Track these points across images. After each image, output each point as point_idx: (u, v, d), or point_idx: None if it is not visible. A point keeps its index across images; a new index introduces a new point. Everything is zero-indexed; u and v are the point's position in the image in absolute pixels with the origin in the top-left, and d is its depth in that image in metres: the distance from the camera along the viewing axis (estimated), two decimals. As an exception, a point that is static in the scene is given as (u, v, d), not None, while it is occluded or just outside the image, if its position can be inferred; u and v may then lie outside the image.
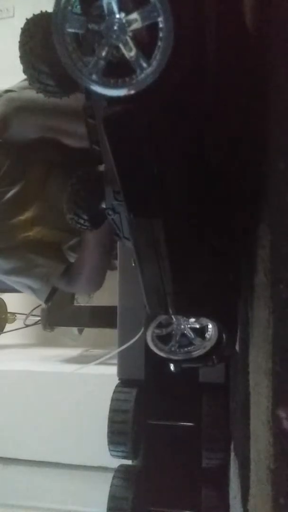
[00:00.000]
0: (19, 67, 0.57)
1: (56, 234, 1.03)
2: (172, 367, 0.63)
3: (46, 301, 1.07)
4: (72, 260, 1.06)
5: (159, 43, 0.36)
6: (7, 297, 1.70)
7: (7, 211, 1.00)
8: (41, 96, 0.96)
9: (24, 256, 1.02)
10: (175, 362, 0.62)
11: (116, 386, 0.94)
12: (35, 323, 1.57)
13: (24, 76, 0.57)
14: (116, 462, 0.94)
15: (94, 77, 0.38)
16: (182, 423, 0.94)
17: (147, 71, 0.37)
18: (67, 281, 1.05)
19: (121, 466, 0.94)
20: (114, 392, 0.92)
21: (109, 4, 0.36)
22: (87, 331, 1.54)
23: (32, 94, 0.94)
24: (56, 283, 1.04)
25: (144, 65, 0.36)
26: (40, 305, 1.46)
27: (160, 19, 0.35)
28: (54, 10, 0.37)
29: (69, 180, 0.97)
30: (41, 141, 0.97)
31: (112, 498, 0.87)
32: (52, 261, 1.03)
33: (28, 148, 0.99)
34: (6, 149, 0.98)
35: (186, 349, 0.61)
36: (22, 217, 1.01)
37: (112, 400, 0.91)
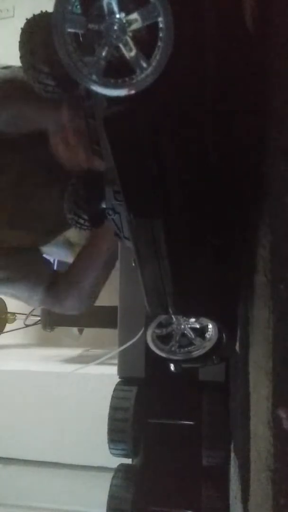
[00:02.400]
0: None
1: (33, 238, 0.95)
2: (172, 367, 0.63)
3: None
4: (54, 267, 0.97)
5: (159, 43, 0.36)
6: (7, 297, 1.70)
7: None
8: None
9: (6, 266, 0.92)
10: (175, 362, 0.62)
11: (116, 385, 0.94)
12: (35, 323, 1.57)
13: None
14: (116, 462, 0.94)
15: (94, 77, 0.38)
16: (182, 422, 0.94)
17: (147, 71, 0.37)
18: (55, 295, 0.95)
19: (121, 465, 0.94)
20: (114, 390, 0.92)
21: (109, 4, 0.36)
22: (87, 331, 1.54)
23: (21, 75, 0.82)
24: (42, 296, 0.94)
25: (144, 65, 0.36)
26: (40, 305, 1.46)
27: (160, 19, 0.35)
28: (54, 10, 0.37)
29: (42, 181, 0.90)
30: (13, 140, 0.86)
31: (112, 498, 0.87)
32: (35, 271, 0.94)
33: (6, 140, 0.86)
34: None
35: (186, 349, 0.61)
36: None
37: (112, 398, 0.91)
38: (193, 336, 0.60)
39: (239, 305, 0.61)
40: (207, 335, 0.59)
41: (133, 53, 0.36)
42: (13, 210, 0.90)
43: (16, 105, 0.81)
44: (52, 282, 0.94)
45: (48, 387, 1.28)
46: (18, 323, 1.67)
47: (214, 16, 0.41)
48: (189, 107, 0.42)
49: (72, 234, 1.04)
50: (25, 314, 1.59)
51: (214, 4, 0.41)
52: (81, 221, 0.63)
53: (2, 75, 0.81)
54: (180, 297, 0.53)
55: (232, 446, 0.83)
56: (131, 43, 0.36)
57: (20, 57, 0.56)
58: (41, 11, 0.54)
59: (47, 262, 1.01)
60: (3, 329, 1.70)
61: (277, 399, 0.40)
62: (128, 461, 0.95)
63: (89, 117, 0.53)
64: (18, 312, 1.68)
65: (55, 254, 1.09)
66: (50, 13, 0.38)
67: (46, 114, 0.80)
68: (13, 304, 1.69)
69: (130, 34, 0.36)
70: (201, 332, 0.60)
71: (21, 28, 0.55)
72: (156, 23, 0.35)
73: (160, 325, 0.59)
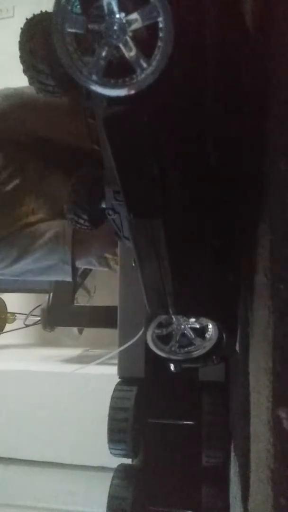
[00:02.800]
0: (19, 67, 0.57)
1: (60, 223, 1.03)
2: (172, 367, 0.63)
3: (73, 276, 1.03)
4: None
5: (159, 43, 0.36)
6: (7, 297, 1.70)
7: (5, 204, 1.00)
8: (36, 93, 0.95)
9: (28, 232, 0.99)
10: (175, 362, 0.62)
11: (116, 385, 0.94)
12: (35, 323, 1.57)
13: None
14: (115, 462, 0.94)
15: (94, 77, 0.38)
16: (182, 422, 0.94)
17: (147, 71, 0.37)
18: (81, 240, 1.00)
19: (121, 465, 0.94)
20: (114, 390, 0.92)
21: (109, 4, 0.36)
22: (87, 331, 1.54)
23: (29, 90, 0.94)
24: (70, 244, 0.99)
25: (144, 65, 0.36)
26: (40, 305, 1.46)
27: (160, 19, 0.35)
28: (54, 10, 0.37)
29: (63, 174, 0.98)
30: (37, 138, 0.97)
31: (112, 498, 0.87)
32: (55, 221, 1.01)
33: (24, 144, 0.99)
34: (2, 145, 0.98)
35: (186, 349, 0.61)
36: (20, 210, 1.01)
37: (112, 398, 0.91)
38: (193, 336, 0.60)
39: (239, 305, 0.61)
40: (207, 335, 0.59)
41: (133, 53, 0.36)
42: (35, 199, 1.01)
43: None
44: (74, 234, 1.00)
45: (48, 387, 1.28)
46: (18, 323, 1.67)
47: (214, 16, 0.41)
48: (189, 107, 0.42)
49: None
50: (25, 314, 1.60)
51: (214, 4, 0.41)
52: (81, 221, 0.63)
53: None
54: (180, 297, 0.53)
55: (232, 446, 0.83)
56: (131, 43, 0.36)
57: (20, 57, 0.56)
58: (41, 11, 0.54)
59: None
60: (3, 329, 1.70)
61: (277, 399, 0.40)
62: (128, 461, 0.95)
63: (89, 117, 0.53)
64: (18, 312, 1.69)
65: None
66: (50, 13, 0.38)
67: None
68: (13, 304, 1.70)
69: (130, 34, 0.36)
70: (201, 332, 0.59)
71: (21, 28, 0.55)
72: (156, 23, 0.35)
73: (160, 325, 0.59)
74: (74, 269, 1.02)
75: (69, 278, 1.03)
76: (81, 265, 1.06)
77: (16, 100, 0.95)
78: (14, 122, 0.96)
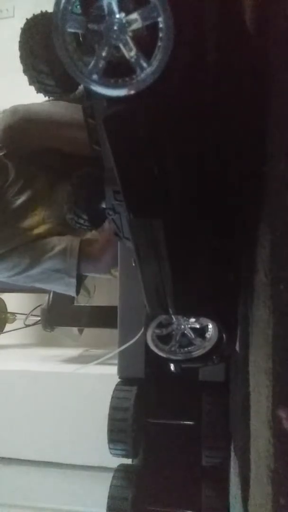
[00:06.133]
0: (19, 67, 0.57)
1: (63, 228, 1.06)
2: (172, 367, 0.63)
3: (77, 291, 1.07)
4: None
5: (159, 43, 0.36)
6: (7, 297, 1.70)
7: (18, 216, 1.04)
8: (45, 107, 1.02)
9: (39, 245, 1.03)
10: (175, 362, 0.62)
11: (116, 385, 0.94)
12: (35, 323, 1.57)
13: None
14: (115, 462, 0.94)
15: (94, 77, 0.38)
16: (182, 422, 0.94)
17: (147, 71, 0.37)
18: (89, 254, 1.04)
19: (121, 465, 0.94)
20: (114, 390, 0.92)
21: (109, 4, 0.36)
22: (87, 331, 1.54)
23: (35, 105, 0.99)
24: (77, 259, 1.03)
25: (144, 65, 0.36)
26: (40, 305, 1.46)
27: (160, 19, 0.35)
28: (54, 10, 0.37)
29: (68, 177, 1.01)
30: (45, 150, 1.01)
31: (112, 498, 0.87)
32: (65, 237, 1.05)
33: (33, 157, 1.02)
34: (12, 159, 1.02)
35: (186, 349, 0.61)
36: (32, 219, 1.04)
37: (112, 398, 0.91)
38: (193, 336, 0.60)
39: (239, 305, 0.61)
40: (207, 335, 0.59)
41: (133, 53, 0.36)
42: (45, 210, 1.05)
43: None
44: (81, 248, 1.04)
45: (48, 387, 1.28)
46: (18, 323, 1.67)
47: (214, 16, 0.41)
48: (189, 107, 0.42)
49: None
50: (25, 314, 1.59)
51: (214, 4, 0.41)
52: (81, 221, 0.63)
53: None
54: (180, 297, 0.53)
55: (232, 446, 0.83)
56: (131, 43, 0.36)
57: (20, 57, 0.56)
58: (41, 11, 0.54)
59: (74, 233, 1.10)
60: (3, 329, 1.70)
61: (277, 399, 0.40)
62: (128, 461, 0.95)
63: (89, 117, 0.53)
64: (18, 312, 1.68)
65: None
66: (50, 13, 0.38)
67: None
68: (13, 304, 1.69)
69: (130, 34, 0.36)
70: (201, 332, 0.60)
71: (21, 28, 0.55)
72: (156, 23, 0.35)
73: (160, 325, 0.59)
74: (79, 284, 1.06)
75: (73, 293, 1.08)
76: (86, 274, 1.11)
77: (23, 115, 0.99)
78: (22, 136, 1.00)
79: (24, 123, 0.99)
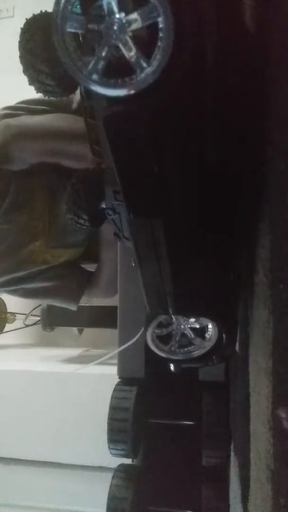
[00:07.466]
0: (19, 67, 0.57)
1: (71, 252, 1.07)
2: (172, 367, 0.63)
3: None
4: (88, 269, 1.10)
5: (159, 43, 0.36)
6: (7, 297, 1.70)
7: (20, 239, 1.02)
8: (37, 120, 1.00)
9: (51, 277, 1.06)
10: (175, 362, 0.62)
11: (116, 385, 0.94)
12: (35, 323, 1.57)
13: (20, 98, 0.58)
14: (115, 462, 0.94)
15: (94, 77, 0.38)
16: (182, 422, 0.94)
17: (147, 71, 0.37)
18: (90, 289, 1.09)
19: (121, 465, 0.94)
20: (114, 390, 0.92)
21: (109, 4, 0.36)
22: (87, 331, 1.54)
23: (28, 119, 0.97)
24: (81, 291, 1.10)
25: (144, 65, 0.36)
26: (40, 305, 1.46)
27: (160, 19, 0.35)
28: (54, 10, 0.37)
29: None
30: (42, 166, 0.98)
31: (112, 498, 0.87)
32: (75, 280, 1.08)
33: (30, 174, 1.00)
34: (8, 177, 0.99)
35: (186, 349, 0.61)
36: (36, 243, 1.04)
37: (112, 398, 0.91)
38: (193, 336, 0.60)
39: (239, 305, 0.61)
40: (207, 335, 0.59)
41: (133, 53, 0.36)
42: (48, 230, 1.04)
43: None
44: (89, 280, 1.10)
45: (48, 387, 1.28)
46: (18, 323, 1.67)
47: (214, 16, 0.41)
48: (189, 107, 0.42)
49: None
50: (25, 314, 1.59)
51: (214, 4, 0.41)
52: (81, 221, 0.63)
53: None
54: (180, 297, 0.53)
55: (232, 446, 0.83)
56: (131, 43, 0.36)
57: (20, 57, 0.56)
58: (41, 11, 0.54)
59: (83, 271, 1.14)
60: (3, 329, 1.69)
61: (277, 399, 0.40)
62: (128, 461, 0.95)
63: (89, 117, 0.53)
64: (18, 312, 1.68)
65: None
66: (50, 13, 0.38)
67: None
68: (13, 304, 1.69)
69: (130, 34, 0.36)
70: (201, 332, 0.59)
71: (21, 28, 0.55)
72: (156, 23, 0.35)
73: (160, 325, 0.59)
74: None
75: (74, 308, 1.13)
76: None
77: (17, 130, 0.96)
78: (17, 153, 0.97)
79: (18, 139, 0.95)
